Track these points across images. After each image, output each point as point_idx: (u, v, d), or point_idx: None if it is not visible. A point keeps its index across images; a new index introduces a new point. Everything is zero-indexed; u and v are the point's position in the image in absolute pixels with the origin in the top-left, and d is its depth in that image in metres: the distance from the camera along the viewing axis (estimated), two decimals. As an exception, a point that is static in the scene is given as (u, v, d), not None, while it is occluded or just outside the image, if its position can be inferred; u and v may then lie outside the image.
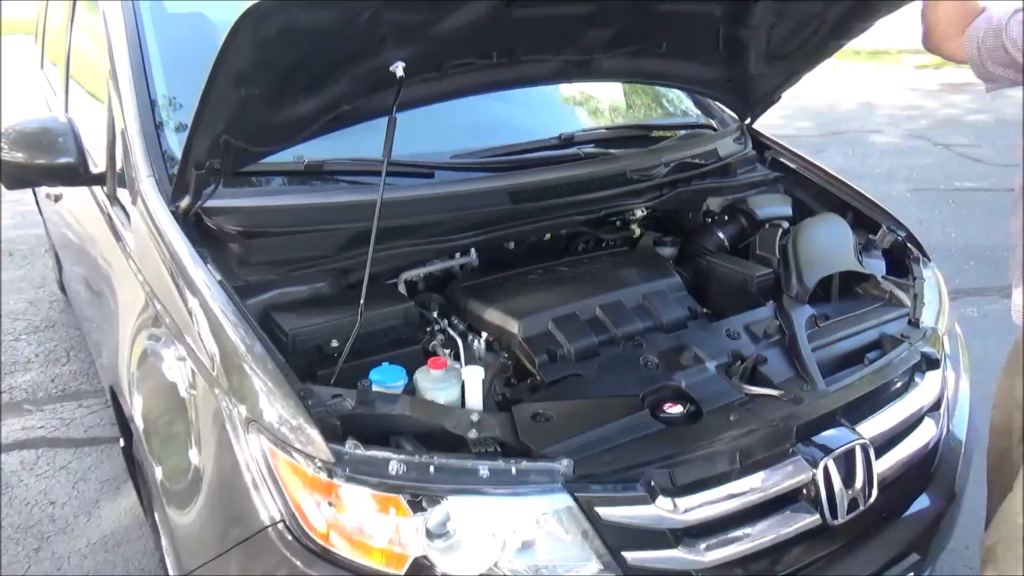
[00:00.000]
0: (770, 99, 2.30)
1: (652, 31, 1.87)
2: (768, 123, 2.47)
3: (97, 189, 2.18)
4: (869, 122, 7.95)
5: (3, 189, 2.24)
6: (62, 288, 3.88)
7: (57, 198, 2.75)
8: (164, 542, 1.83)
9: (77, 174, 1.98)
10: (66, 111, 2.83)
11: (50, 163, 1.95)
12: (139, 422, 1.66)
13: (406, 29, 1.45)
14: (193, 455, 1.45)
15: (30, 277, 4.38)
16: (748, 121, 2.42)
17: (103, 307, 2.12)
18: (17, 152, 1.96)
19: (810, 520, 1.41)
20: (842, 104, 8.70)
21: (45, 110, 3.32)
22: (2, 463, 2.75)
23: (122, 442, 2.08)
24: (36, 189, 3.88)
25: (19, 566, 2.29)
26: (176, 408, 1.54)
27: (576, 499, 1.28)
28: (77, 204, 2.46)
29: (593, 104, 2.66)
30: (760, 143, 2.42)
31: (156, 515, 1.82)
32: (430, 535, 1.25)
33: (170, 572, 1.87)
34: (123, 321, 1.86)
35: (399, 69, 1.49)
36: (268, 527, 1.29)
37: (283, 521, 1.29)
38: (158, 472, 1.56)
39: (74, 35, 2.90)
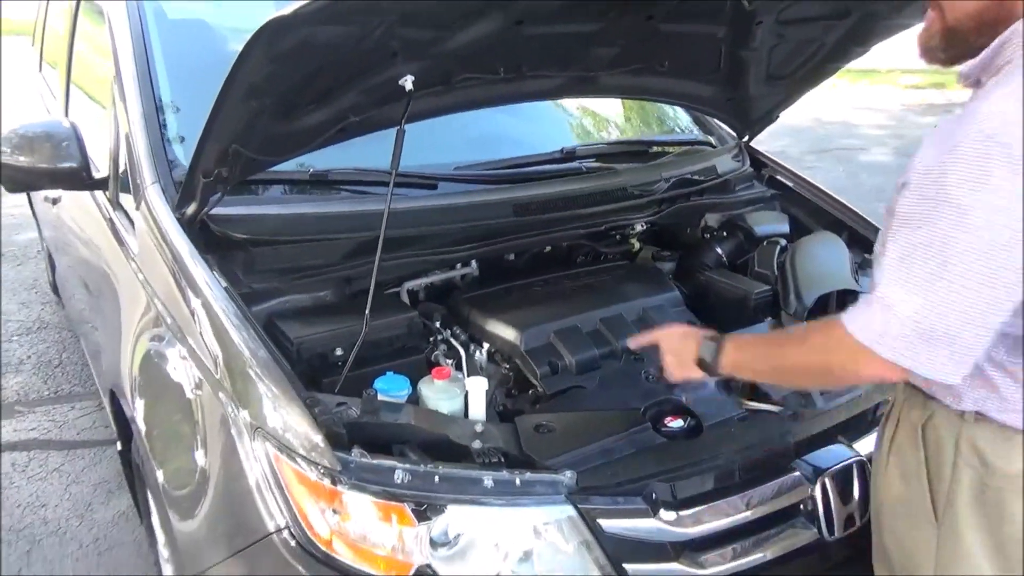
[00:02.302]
0: (768, 118, 2.35)
1: (656, 50, 1.91)
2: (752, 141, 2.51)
3: (99, 193, 2.18)
4: (856, 140, 8.04)
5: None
6: (55, 290, 3.86)
7: (55, 201, 2.75)
8: (161, 546, 1.84)
9: (80, 179, 1.99)
10: (66, 115, 2.83)
11: (53, 168, 1.96)
12: (141, 424, 1.66)
13: (417, 45, 1.47)
14: (198, 457, 1.46)
15: (22, 279, 4.36)
16: (746, 139, 2.46)
17: (103, 310, 2.13)
18: (20, 156, 1.96)
19: (807, 535, 1.43)
20: (826, 122, 8.78)
21: (43, 114, 3.32)
22: (-4, 464, 2.74)
23: (119, 445, 2.08)
24: (31, 191, 3.87)
25: (11, 568, 2.28)
26: (182, 410, 1.55)
27: (579, 510, 1.29)
28: (77, 208, 2.46)
29: (594, 119, 2.69)
30: (757, 161, 2.45)
31: (154, 519, 1.82)
32: (434, 544, 1.26)
33: (166, 577, 1.88)
34: (126, 324, 1.87)
35: (408, 83, 1.51)
36: (272, 533, 1.30)
37: (288, 528, 1.29)
38: (159, 475, 1.56)
39: (76, 39, 2.90)
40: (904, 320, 1.02)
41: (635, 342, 1.58)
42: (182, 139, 1.89)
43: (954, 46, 1.12)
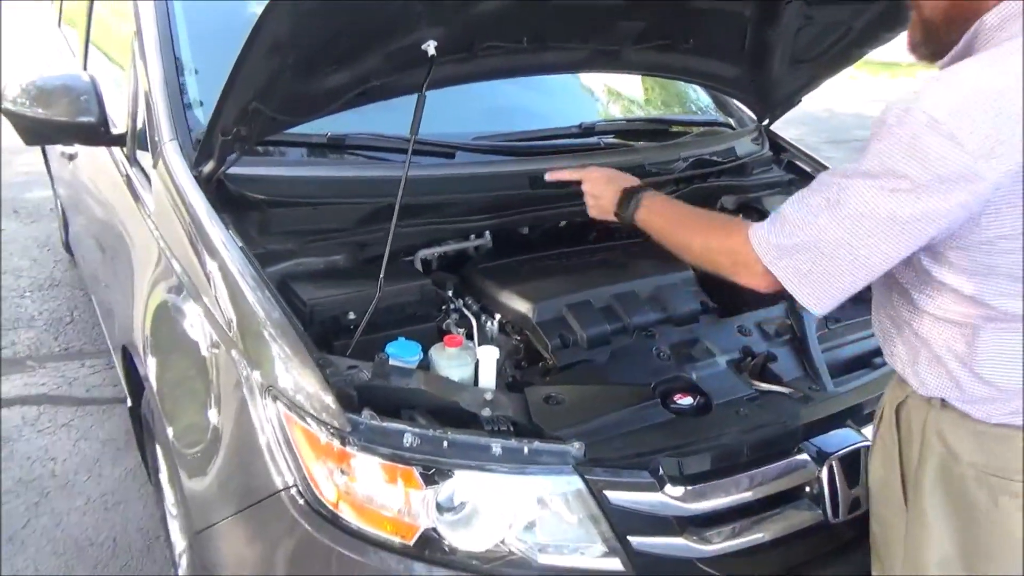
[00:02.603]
0: (790, 102, 2.32)
1: (682, 27, 1.89)
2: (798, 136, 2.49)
3: (116, 150, 2.18)
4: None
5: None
6: (67, 248, 3.88)
7: (71, 157, 2.75)
8: (169, 504, 1.86)
9: (98, 134, 1.99)
10: (84, 70, 2.82)
11: (71, 121, 1.95)
12: (153, 381, 1.67)
13: (442, 8, 1.46)
14: (210, 415, 1.47)
15: (35, 236, 4.38)
16: (766, 122, 2.43)
17: (118, 267, 2.13)
18: (38, 108, 1.96)
19: (812, 517, 1.44)
20: (840, 113, 8.68)
21: (62, 68, 3.31)
22: (3, 418, 2.77)
23: (129, 402, 2.10)
24: (46, 149, 3.88)
25: (19, 519, 2.31)
26: (195, 368, 1.56)
27: (586, 481, 1.30)
28: (93, 165, 2.46)
29: (614, 96, 2.67)
30: (777, 145, 2.43)
31: (162, 476, 1.84)
32: (440, 509, 1.27)
33: (172, 533, 1.90)
34: (140, 281, 1.87)
35: (431, 48, 1.50)
36: (281, 491, 1.31)
37: (296, 486, 1.30)
38: (170, 431, 1.58)
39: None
40: (784, 236, 1.12)
41: (555, 175, 1.70)
42: (201, 103, 1.89)
43: (932, 41, 1.15)
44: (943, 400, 1.15)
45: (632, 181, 1.55)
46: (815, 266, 1.09)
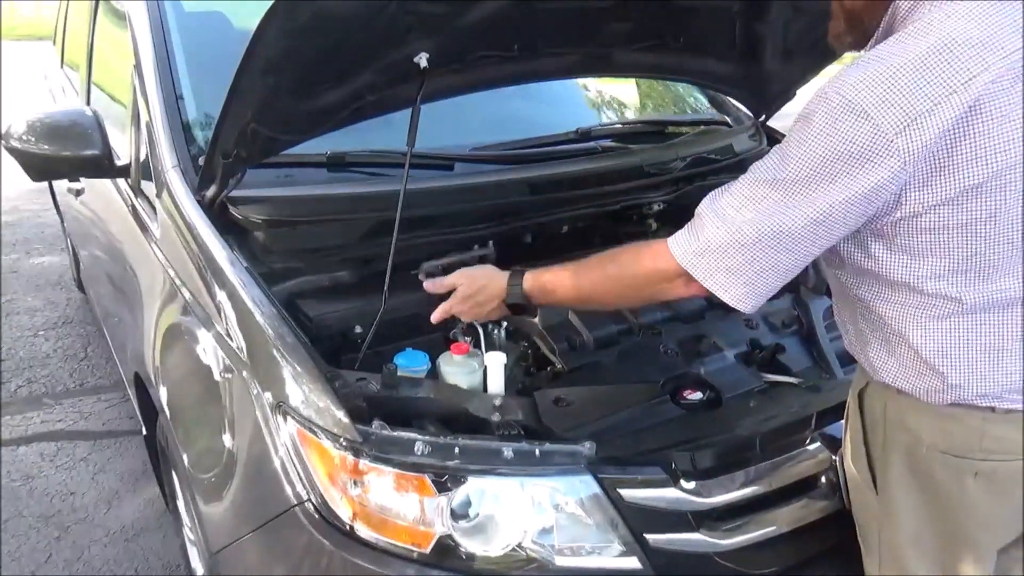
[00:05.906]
0: (785, 95, 2.33)
1: (671, 25, 1.90)
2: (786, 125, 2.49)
3: (121, 182, 2.21)
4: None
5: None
6: (79, 286, 3.92)
7: (78, 193, 2.79)
8: (188, 529, 1.86)
9: (103, 166, 2.01)
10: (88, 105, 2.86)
11: (76, 155, 1.98)
12: (167, 408, 1.68)
13: (431, 20, 1.48)
14: (225, 438, 1.47)
15: (47, 275, 4.43)
16: (763, 118, 2.44)
17: (129, 297, 2.15)
18: (44, 144, 1.99)
19: (828, 505, 1.42)
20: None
21: (66, 105, 3.36)
22: (21, 456, 2.79)
23: (144, 431, 2.11)
24: (54, 188, 3.93)
25: (41, 554, 2.32)
26: (208, 393, 1.56)
27: (599, 480, 1.29)
28: (99, 199, 2.50)
29: (609, 100, 2.68)
30: (775, 140, 2.43)
31: (180, 500, 1.84)
32: (455, 515, 1.27)
33: (192, 560, 1.91)
34: (150, 309, 1.89)
35: (423, 60, 1.52)
36: (295, 506, 1.31)
37: (310, 500, 1.30)
38: (185, 456, 1.58)
39: (96, 34, 2.94)
40: (706, 241, 1.10)
41: (433, 286, 1.56)
42: (201, 130, 1.92)
43: (854, 28, 1.16)
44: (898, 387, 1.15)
45: (509, 273, 1.45)
46: (738, 262, 1.08)
